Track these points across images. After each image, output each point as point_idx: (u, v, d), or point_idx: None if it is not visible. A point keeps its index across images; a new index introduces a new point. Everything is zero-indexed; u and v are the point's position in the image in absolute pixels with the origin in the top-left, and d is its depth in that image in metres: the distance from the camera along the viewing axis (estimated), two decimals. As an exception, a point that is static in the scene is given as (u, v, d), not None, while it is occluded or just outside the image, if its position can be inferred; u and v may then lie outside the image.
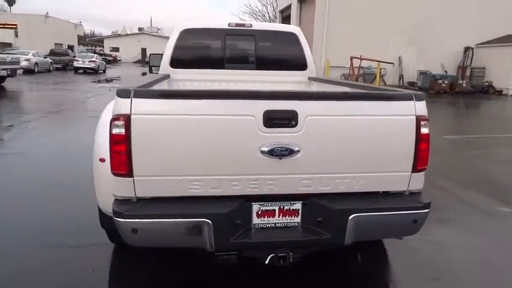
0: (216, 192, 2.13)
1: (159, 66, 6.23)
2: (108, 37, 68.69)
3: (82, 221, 3.44)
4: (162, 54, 6.42)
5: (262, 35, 4.54)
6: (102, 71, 29.38)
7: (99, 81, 21.45)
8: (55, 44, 42.15)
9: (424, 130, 2.20)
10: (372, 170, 2.21)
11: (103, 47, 62.87)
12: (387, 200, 2.25)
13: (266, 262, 2.17)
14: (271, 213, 2.23)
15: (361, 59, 16.70)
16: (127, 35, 66.09)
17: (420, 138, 2.20)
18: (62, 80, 21.14)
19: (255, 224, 2.22)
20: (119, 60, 55.48)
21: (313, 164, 2.14)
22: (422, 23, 18.07)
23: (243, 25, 4.47)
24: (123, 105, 2.00)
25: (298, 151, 2.09)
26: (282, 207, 2.23)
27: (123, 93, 2.02)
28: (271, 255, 2.17)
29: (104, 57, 39.80)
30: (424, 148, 2.22)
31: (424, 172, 2.28)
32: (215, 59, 4.59)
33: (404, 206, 2.19)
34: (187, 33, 4.38)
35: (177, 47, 4.36)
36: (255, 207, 2.20)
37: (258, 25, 4.51)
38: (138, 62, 56.05)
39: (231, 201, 2.14)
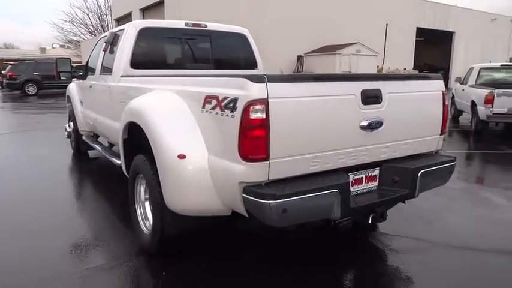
0: (327, 167, 2.34)
1: (68, 72, 5.59)
2: None
3: None
4: (69, 59, 5.76)
5: (216, 35, 4.67)
6: None
7: None
8: None
9: (446, 102, 2.91)
10: (421, 136, 2.80)
11: None
12: (431, 158, 2.86)
13: (369, 222, 2.51)
14: (360, 181, 2.57)
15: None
16: None
17: (444, 108, 2.90)
18: None
19: (351, 191, 2.52)
20: None
21: (390, 134, 2.58)
22: (265, 35, 20.20)
23: (200, 25, 4.51)
24: (259, 90, 2.04)
25: (382, 124, 2.50)
26: (367, 174, 2.60)
27: (257, 79, 2.06)
28: (372, 215, 2.52)
29: None
30: (446, 116, 2.93)
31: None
32: (175, 59, 4.51)
33: (446, 160, 2.84)
34: (145, 32, 4.16)
35: (137, 47, 4.09)
36: (351, 177, 2.50)
37: (211, 25, 4.60)
38: None
39: (337, 173, 2.38)
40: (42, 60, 25.01)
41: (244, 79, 2.08)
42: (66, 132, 6.58)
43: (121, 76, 4.00)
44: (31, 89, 20.43)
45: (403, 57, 27.12)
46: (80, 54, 42.98)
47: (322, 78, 2.31)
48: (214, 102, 2.29)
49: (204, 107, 2.38)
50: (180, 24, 4.42)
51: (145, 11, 21.91)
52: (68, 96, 6.48)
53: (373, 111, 2.45)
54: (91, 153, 6.45)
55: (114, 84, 4.06)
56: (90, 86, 5.04)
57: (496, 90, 8.14)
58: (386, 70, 24.86)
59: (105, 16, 43.17)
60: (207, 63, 4.61)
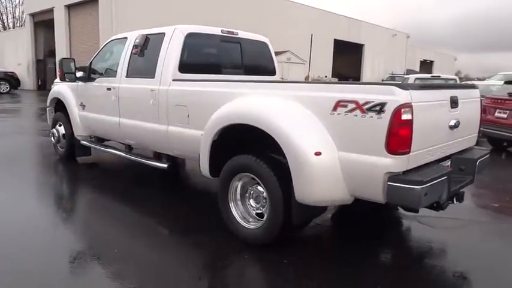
0: (431, 158, 2.89)
1: (72, 73, 5.36)
2: None
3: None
4: (73, 59, 5.50)
5: (244, 42, 4.95)
6: None
7: None
8: None
9: (481, 107, 3.67)
10: (470, 133, 3.50)
11: None
12: (475, 151, 3.58)
13: (455, 202, 3.11)
14: (442, 170, 3.16)
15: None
16: None
17: (481, 112, 3.65)
18: None
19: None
20: None
21: (461, 132, 3.21)
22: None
23: (233, 32, 4.75)
24: (406, 96, 2.50)
25: (460, 123, 3.12)
26: (444, 164, 3.20)
27: (403, 86, 2.52)
28: (455, 197, 3.13)
29: None
30: (482, 117, 3.69)
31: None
32: (214, 64, 4.69)
33: (486, 153, 3.58)
34: (191, 38, 4.29)
35: (184, 51, 4.20)
36: (439, 167, 3.08)
37: (240, 33, 4.87)
38: None
39: (436, 164, 2.94)
40: None
41: (393, 87, 2.53)
42: (53, 138, 6.16)
43: (173, 80, 4.07)
44: None
45: (324, 66, 29.38)
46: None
47: (437, 87, 2.85)
48: (351, 105, 2.66)
49: (335, 109, 2.74)
50: (217, 30, 4.60)
51: (71, 8, 20.46)
52: (56, 99, 6.11)
53: (455, 114, 3.05)
54: (80, 159, 6.14)
55: (164, 88, 4.10)
56: (109, 89, 4.90)
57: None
58: (312, 78, 26.69)
59: (4, 9, 38.94)
60: (238, 68, 4.86)
